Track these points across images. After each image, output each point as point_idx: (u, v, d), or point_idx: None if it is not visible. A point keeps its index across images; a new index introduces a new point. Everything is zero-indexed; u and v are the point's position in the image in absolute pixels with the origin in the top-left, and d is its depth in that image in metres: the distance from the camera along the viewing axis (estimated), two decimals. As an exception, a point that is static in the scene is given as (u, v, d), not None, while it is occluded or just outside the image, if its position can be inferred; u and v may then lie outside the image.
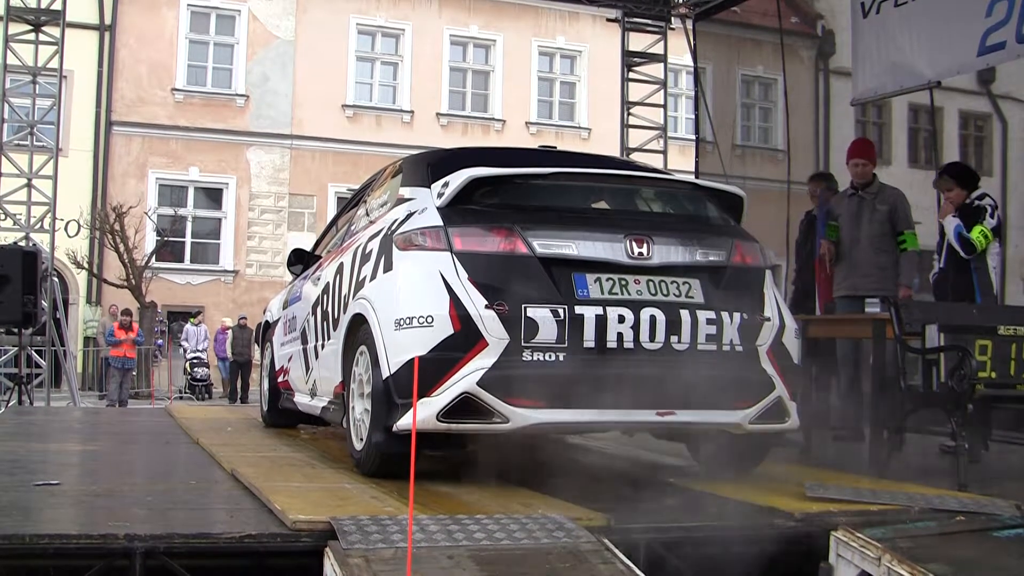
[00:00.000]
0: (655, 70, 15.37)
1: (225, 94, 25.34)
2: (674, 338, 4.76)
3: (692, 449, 5.85)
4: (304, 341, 6.73)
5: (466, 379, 4.56)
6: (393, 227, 5.17)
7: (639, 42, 15.29)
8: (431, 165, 5.45)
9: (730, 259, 5.09)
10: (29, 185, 12.99)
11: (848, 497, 4.70)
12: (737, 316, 4.92)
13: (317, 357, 6.32)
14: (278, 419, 7.79)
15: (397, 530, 3.77)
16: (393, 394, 4.75)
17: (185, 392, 21.95)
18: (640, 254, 4.85)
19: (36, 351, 13.13)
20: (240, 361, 21.71)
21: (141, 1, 24.52)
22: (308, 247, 7.85)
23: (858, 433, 7.54)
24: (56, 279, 15.14)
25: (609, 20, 16.11)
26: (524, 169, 5.08)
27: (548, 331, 4.61)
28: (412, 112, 26.53)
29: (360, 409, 5.21)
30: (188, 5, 25.03)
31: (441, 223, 4.86)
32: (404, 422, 4.64)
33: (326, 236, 7.61)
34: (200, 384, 22.01)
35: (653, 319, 4.73)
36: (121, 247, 22.05)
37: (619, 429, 5.35)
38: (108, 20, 24.14)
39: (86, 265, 22.70)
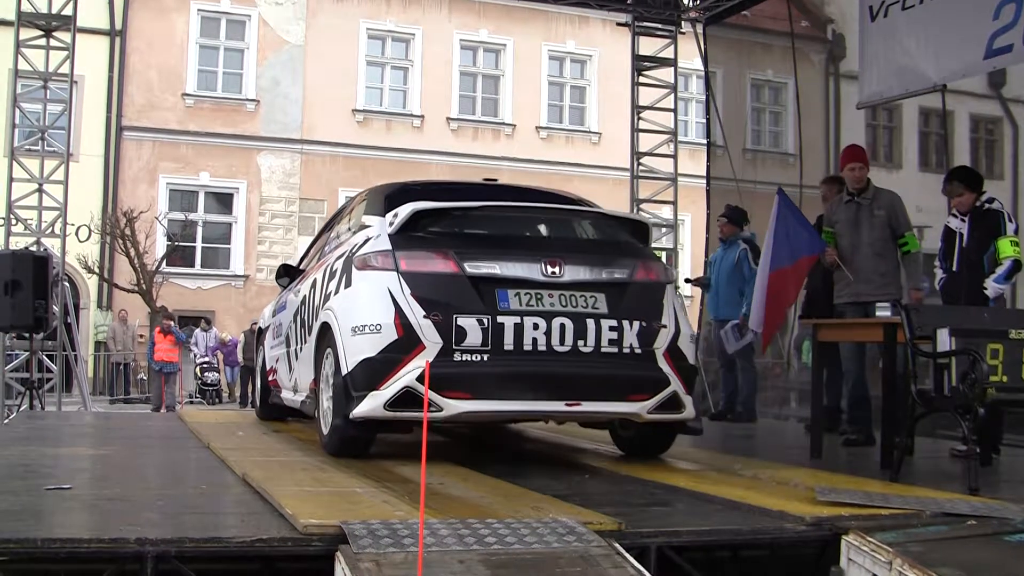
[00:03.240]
0: (665, 74, 15.30)
1: (235, 99, 25.40)
2: (580, 342, 5.63)
3: (614, 436, 6.71)
4: (288, 344, 7.69)
5: (407, 376, 5.47)
6: (354, 250, 6.08)
7: (649, 46, 15.23)
8: (388, 197, 6.39)
9: (633, 276, 5.92)
10: (40, 190, 12.96)
11: (859, 501, 4.68)
12: (636, 324, 5.78)
13: (297, 358, 7.25)
14: (269, 413, 8.89)
15: (408, 534, 3.78)
16: (350, 388, 5.67)
17: (195, 397, 21.99)
18: (553, 273, 5.70)
19: (47, 356, 13.13)
20: (251, 366, 21.64)
21: (151, 6, 24.60)
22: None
23: (869, 437, 7.55)
24: (67, 284, 15.18)
25: (619, 24, 16.08)
26: (459, 203, 6.03)
27: (475, 336, 5.50)
28: (422, 117, 26.55)
29: (326, 401, 6.12)
30: (198, 10, 25.12)
31: (390, 248, 5.75)
32: (358, 410, 5.62)
33: (308, 253, 8.44)
34: (210, 389, 22.06)
35: (563, 326, 5.61)
36: (132, 252, 22.12)
37: (535, 418, 6.44)
38: (119, 25, 24.23)
39: (97, 270, 22.77)
